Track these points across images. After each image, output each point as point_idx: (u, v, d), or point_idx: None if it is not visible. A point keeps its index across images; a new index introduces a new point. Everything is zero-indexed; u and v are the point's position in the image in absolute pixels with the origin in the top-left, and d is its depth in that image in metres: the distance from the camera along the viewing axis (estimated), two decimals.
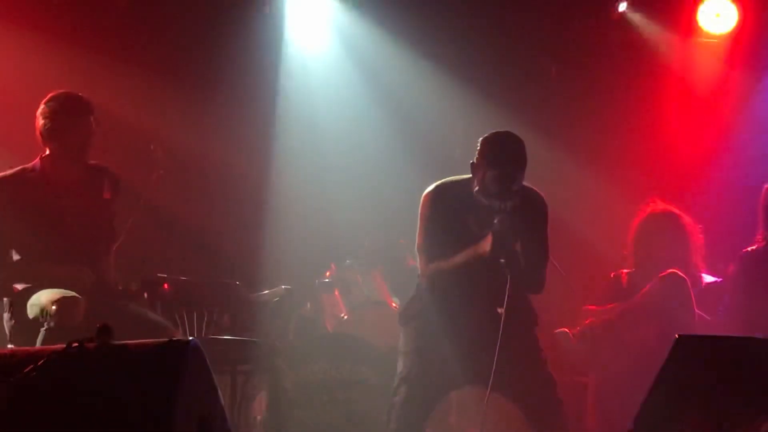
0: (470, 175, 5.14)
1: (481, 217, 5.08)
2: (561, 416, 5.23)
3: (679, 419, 3.60)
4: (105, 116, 5.98)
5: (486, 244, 4.98)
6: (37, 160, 5.79)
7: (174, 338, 3.61)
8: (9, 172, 5.76)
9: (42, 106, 5.75)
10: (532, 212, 5.20)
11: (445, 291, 5.19)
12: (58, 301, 5.28)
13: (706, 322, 6.67)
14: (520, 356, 5.12)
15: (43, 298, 5.37)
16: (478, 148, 5.10)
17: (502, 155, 5.05)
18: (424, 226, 5.20)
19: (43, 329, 5.24)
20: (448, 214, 5.15)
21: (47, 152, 5.77)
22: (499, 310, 4.95)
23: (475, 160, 5.09)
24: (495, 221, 4.96)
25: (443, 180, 5.25)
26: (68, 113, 5.74)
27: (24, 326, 5.47)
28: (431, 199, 5.18)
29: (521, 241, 5.08)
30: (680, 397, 3.62)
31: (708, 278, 7.04)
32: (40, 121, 5.72)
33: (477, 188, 5.07)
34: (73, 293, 5.35)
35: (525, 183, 5.17)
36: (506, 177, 5.01)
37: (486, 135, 5.12)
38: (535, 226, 5.23)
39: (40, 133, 5.73)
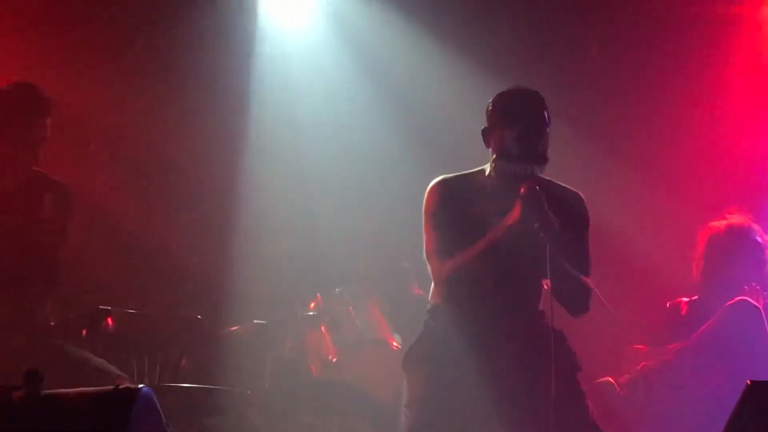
0: (478, 168, 5.23)
1: (500, 203, 5.07)
2: None
3: None
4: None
5: (513, 216, 4.97)
6: None
7: (120, 386, 3.60)
8: None
9: None
10: (569, 212, 5.21)
11: (467, 298, 5.15)
12: None
13: None
14: (564, 405, 5.03)
15: None
16: (489, 109, 5.16)
17: (521, 110, 5.12)
18: (432, 223, 5.19)
19: None
20: (460, 206, 5.16)
21: None
22: (545, 286, 5.08)
23: (487, 126, 5.17)
24: (521, 190, 4.94)
25: (447, 174, 5.27)
26: (20, 111, 5.76)
27: None
28: (438, 192, 5.20)
29: (559, 247, 5.03)
30: None
31: None
32: None
33: (494, 156, 5.11)
34: None
35: (560, 182, 5.26)
36: (531, 133, 5.06)
37: (496, 94, 5.18)
38: (574, 227, 5.23)
39: None
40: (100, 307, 6.18)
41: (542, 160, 5.04)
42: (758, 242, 6.92)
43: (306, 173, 8.05)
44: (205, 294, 7.64)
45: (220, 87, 8.29)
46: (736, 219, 6.99)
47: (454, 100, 8.16)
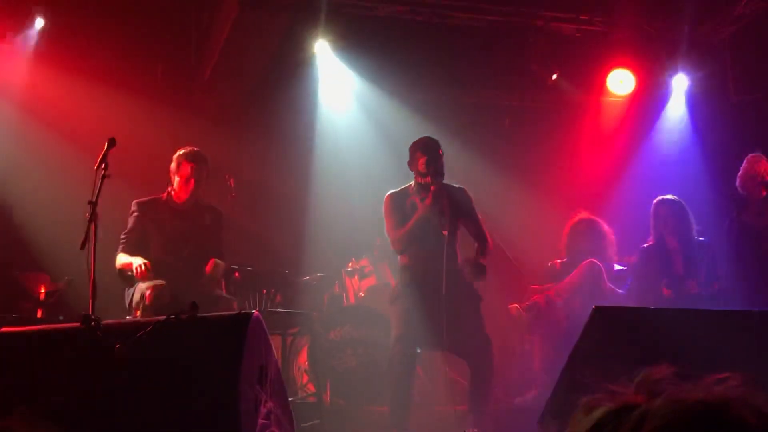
0: (408, 184, 5.44)
1: (421, 199, 5.30)
2: (492, 367, 5.28)
3: (598, 375, 3.56)
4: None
5: (426, 203, 5.21)
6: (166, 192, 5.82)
7: (242, 311, 3.65)
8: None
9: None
10: (461, 198, 5.43)
11: (409, 249, 5.34)
12: (151, 287, 5.26)
13: (618, 295, 6.70)
14: (467, 323, 5.23)
15: (141, 285, 5.33)
16: (411, 148, 5.39)
17: (427, 147, 5.32)
18: (388, 215, 5.41)
19: (141, 308, 5.21)
20: (401, 204, 5.37)
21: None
22: (444, 232, 5.17)
23: (409, 159, 5.39)
24: (431, 189, 5.20)
25: (393, 189, 5.50)
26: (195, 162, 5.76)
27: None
28: (389, 198, 5.44)
29: (461, 212, 5.33)
30: (597, 354, 3.59)
31: (618, 266, 7.07)
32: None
33: (414, 172, 5.36)
34: (162, 282, 5.31)
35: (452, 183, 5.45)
36: (433, 159, 5.26)
37: (413, 142, 5.42)
38: (466, 206, 5.44)
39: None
40: (232, 266, 6.22)
41: (440, 174, 5.25)
42: (599, 228, 6.96)
43: (346, 189, 8.05)
44: (290, 258, 7.62)
45: (298, 139, 8.28)
46: (584, 215, 7.04)
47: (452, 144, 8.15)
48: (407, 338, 5.19)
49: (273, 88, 8.10)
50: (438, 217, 5.21)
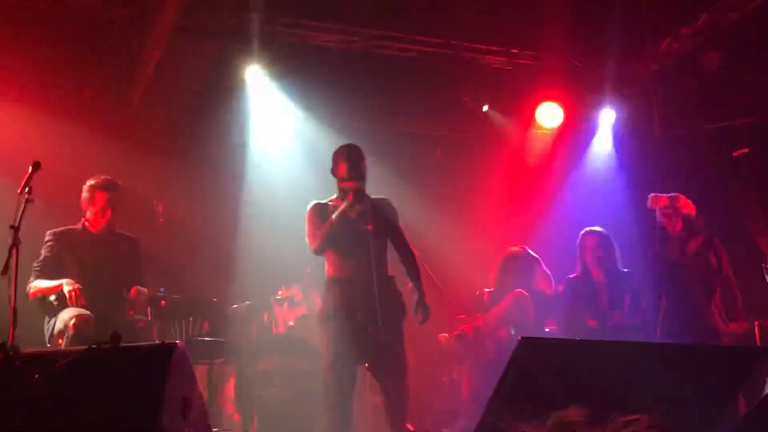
0: (332, 196, 5.36)
1: (340, 203, 5.21)
2: (405, 393, 5.10)
3: (522, 403, 3.57)
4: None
5: (345, 205, 5.14)
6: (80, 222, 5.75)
7: (165, 341, 3.60)
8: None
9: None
10: (385, 208, 5.36)
11: (333, 256, 5.24)
12: (76, 317, 5.16)
13: (543, 325, 6.77)
14: (387, 342, 5.06)
15: (64, 315, 5.25)
16: (333, 158, 5.33)
17: (349, 152, 5.29)
18: (309, 221, 5.27)
19: (65, 338, 5.09)
20: (323, 211, 5.26)
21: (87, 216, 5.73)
22: (368, 227, 5.10)
23: (332, 166, 5.32)
24: (352, 187, 5.16)
25: (318, 200, 5.39)
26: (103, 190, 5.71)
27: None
28: (312, 207, 5.32)
29: (385, 221, 5.26)
30: (521, 385, 3.59)
31: (545, 296, 7.13)
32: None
33: (338, 180, 5.27)
34: (87, 312, 5.22)
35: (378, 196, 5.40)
36: (355, 163, 5.23)
37: (337, 147, 5.38)
38: (389, 217, 5.38)
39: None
40: (158, 293, 6.13)
41: (362, 178, 5.23)
42: (529, 261, 7.01)
43: (276, 217, 7.95)
44: (218, 285, 7.51)
45: (227, 166, 8.18)
46: (516, 248, 7.09)
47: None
48: (341, 362, 5.03)
49: (204, 114, 8.03)
50: (361, 217, 5.13)
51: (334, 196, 5.35)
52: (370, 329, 4.99)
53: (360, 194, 5.17)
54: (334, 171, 5.31)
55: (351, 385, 5.08)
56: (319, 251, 5.26)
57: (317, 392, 6.54)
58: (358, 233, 5.11)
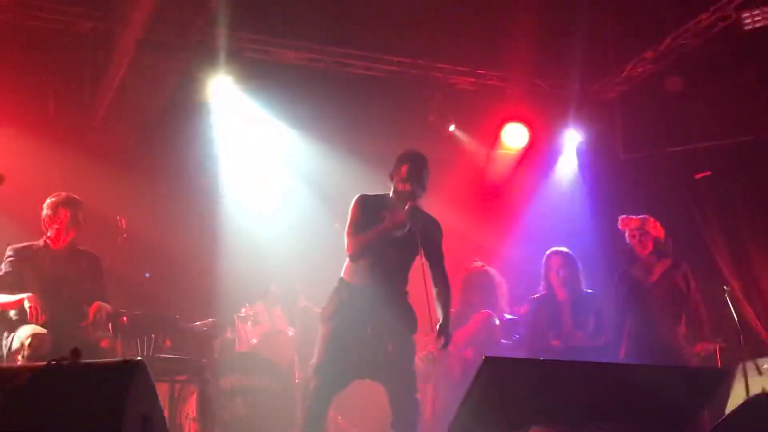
0: (384, 192, 5.11)
1: (394, 212, 4.96)
2: (417, 408, 4.93)
3: (486, 423, 3.51)
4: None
5: (395, 218, 4.89)
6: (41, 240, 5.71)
7: (126, 358, 3.57)
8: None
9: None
10: (432, 226, 5.12)
11: (362, 259, 4.96)
12: (32, 335, 5.13)
13: (508, 346, 6.77)
14: (401, 356, 4.91)
15: (21, 333, 5.21)
16: (395, 161, 5.10)
17: (412, 156, 5.08)
18: (351, 217, 5.00)
19: (21, 356, 5.05)
20: (368, 210, 5.01)
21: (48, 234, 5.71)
22: (420, 257, 4.86)
23: (392, 170, 5.09)
24: (407, 205, 4.90)
25: (366, 193, 5.15)
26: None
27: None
28: (357, 201, 5.06)
29: (430, 243, 5.01)
30: (485, 404, 3.57)
31: (509, 316, 7.15)
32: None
33: (395, 180, 5.04)
34: (44, 331, 5.19)
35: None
36: (416, 167, 5.02)
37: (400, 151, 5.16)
38: (435, 236, 5.15)
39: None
40: (120, 309, 6.06)
41: (422, 186, 5.04)
42: (491, 279, 7.04)
43: (241, 234, 7.96)
44: (180, 302, 7.44)
45: (191, 181, 8.15)
46: (478, 266, 7.11)
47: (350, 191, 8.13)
48: (328, 370, 4.83)
49: (169, 129, 7.99)
50: (407, 237, 4.88)
51: (388, 194, 5.11)
52: (386, 344, 4.83)
53: (413, 215, 4.89)
54: (393, 173, 5.09)
55: (333, 392, 4.89)
56: (354, 259, 4.99)
57: (280, 411, 6.55)
58: (395, 246, 4.93)
